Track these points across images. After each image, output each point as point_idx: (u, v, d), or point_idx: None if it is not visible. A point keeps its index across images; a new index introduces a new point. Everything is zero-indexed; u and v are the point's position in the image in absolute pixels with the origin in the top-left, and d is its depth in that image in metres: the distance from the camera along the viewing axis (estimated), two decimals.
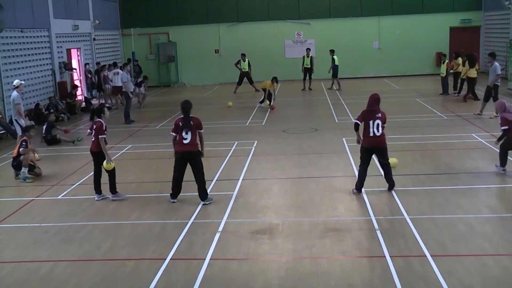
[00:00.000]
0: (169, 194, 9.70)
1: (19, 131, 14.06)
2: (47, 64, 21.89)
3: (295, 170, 11.66)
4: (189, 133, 9.30)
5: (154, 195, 10.26)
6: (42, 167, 12.34)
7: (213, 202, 9.55)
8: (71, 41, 24.48)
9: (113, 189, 9.98)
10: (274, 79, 20.71)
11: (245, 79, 26.13)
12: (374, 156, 9.96)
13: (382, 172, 9.95)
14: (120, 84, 20.00)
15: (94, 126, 9.87)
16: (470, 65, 20.02)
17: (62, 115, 20.14)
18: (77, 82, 24.28)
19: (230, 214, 8.99)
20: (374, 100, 9.61)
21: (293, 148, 13.75)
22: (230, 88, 27.00)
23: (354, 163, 11.56)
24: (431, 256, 7.02)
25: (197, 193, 9.55)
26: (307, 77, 26.24)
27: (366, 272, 6.74)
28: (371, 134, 9.50)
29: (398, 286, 6.31)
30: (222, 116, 19.40)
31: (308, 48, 27.21)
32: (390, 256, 7.08)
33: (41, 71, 21.38)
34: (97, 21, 26.75)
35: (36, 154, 12.95)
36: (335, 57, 25.77)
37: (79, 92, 23.88)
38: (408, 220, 8.34)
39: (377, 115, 9.48)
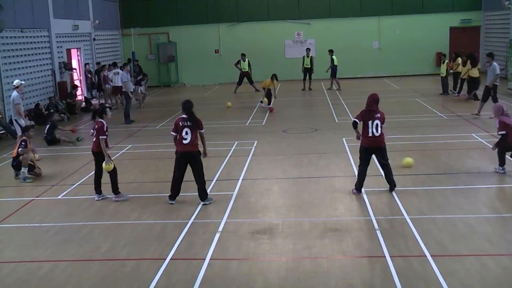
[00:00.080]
0: (167, 196, 9.69)
1: (19, 131, 14.06)
2: (47, 64, 21.89)
3: (295, 170, 11.66)
4: (189, 133, 9.29)
5: (154, 195, 10.26)
6: (42, 167, 12.34)
7: (213, 202, 9.55)
8: (71, 41, 24.49)
9: (115, 190, 9.97)
10: (274, 76, 20.59)
11: (245, 79, 26.13)
12: (374, 156, 9.96)
13: (382, 173, 9.94)
14: (120, 84, 19.99)
15: (96, 126, 9.87)
16: (472, 64, 20.02)
17: (62, 115, 20.12)
18: (77, 82, 24.28)
19: (230, 214, 8.99)
20: (373, 100, 9.60)
21: (293, 148, 13.75)
22: (230, 88, 27.00)
23: (354, 163, 11.56)
24: (431, 256, 7.02)
25: (197, 193, 9.55)
26: (307, 77, 26.24)
27: (366, 272, 6.74)
28: (370, 134, 9.49)
29: (398, 286, 6.31)
30: (222, 116, 19.40)
31: (308, 48, 27.23)
32: (390, 256, 7.07)
33: (41, 71, 21.38)
34: (97, 21, 26.75)
35: (36, 154, 12.95)
36: (334, 57, 25.78)
37: (79, 92, 23.89)
38: (408, 220, 8.34)
39: (376, 115, 9.48)
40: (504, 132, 10.47)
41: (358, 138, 9.79)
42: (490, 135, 13.72)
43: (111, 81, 22.28)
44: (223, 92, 26.85)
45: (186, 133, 9.30)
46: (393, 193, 9.62)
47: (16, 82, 14.73)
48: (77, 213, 9.48)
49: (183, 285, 6.60)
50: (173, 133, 9.46)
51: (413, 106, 19.85)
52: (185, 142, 9.31)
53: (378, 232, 7.92)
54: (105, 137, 9.75)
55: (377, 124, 9.45)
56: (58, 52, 22.75)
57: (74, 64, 24.93)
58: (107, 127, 9.88)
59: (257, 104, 21.30)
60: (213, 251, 7.52)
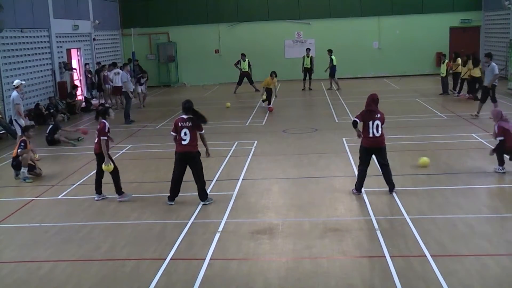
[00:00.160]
0: (167, 197, 9.68)
1: (19, 131, 14.06)
2: (47, 64, 21.89)
3: (295, 170, 11.66)
4: (188, 134, 9.28)
5: (154, 195, 10.26)
6: (42, 167, 12.34)
7: (213, 202, 9.54)
8: (71, 41, 24.48)
9: (119, 190, 9.96)
10: (273, 73, 20.50)
11: (245, 79, 26.13)
12: (374, 157, 9.95)
13: (382, 174, 9.89)
14: (120, 84, 19.98)
15: (98, 127, 9.87)
16: (474, 64, 20.01)
17: (62, 115, 20.11)
18: (77, 82, 24.27)
19: (230, 214, 8.99)
20: (372, 100, 9.59)
21: (293, 148, 13.75)
22: (230, 88, 27.00)
23: (354, 163, 11.56)
24: (431, 256, 7.02)
25: (197, 194, 9.54)
26: (307, 77, 26.25)
27: (366, 272, 6.74)
28: (371, 135, 9.49)
29: (398, 286, 6.31)
30: (222, 116, 19.39)
31: (308, 48, 27.24)
32: (390, 256, 7.07)
33: (41, 71, 21.38)
34: (97, 21, 26.75)
35: (36, 155, 12.95)
36: (333, 57, 25.80)
37: (79, 92, 23.89)
38: (408, 220, 8.34)
39: (376, 116, 9.48)
40: (502, 137, 10.51)
41: (359, 136, 9.76)
42: (490, 135, 13.70)
43: (111, 81, 22.28)
44: (223, 92, 26.85)
45: (185, 134, 9.29)
46: (393, 193, 9.62)
47: (16, 82, 14.73)
48: (77, 213, 9.48)
49: (183, 285, 6.60)
50: (173, 133, 9.46)
51: (413, 106, 19.85)
52: (184, 142, 9.30)
53: (378, 232, 7.92)
54: (105, 138, 9.73)
55: (377, 125, 9.45)
56: (58, 52, 22.74)
57: (74, 64, 24.92)
58: (109, 128, 9.85)
59: (257, 104, 21.29)
60: (213, 251, 7.52)
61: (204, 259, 7.25)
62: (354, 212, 8.98)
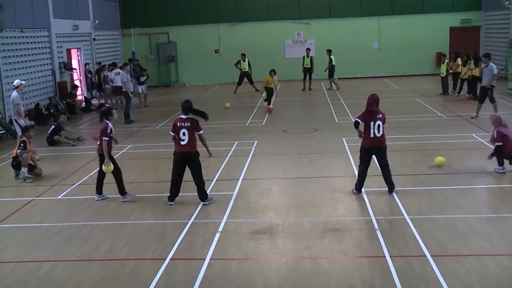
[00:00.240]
0: (167, 197, 9.68)
1: (19, 131, 14.06)
2: (47, 64, 21.89)
3: (295, 170, 11.66)
4: (187, 134, 9.27)
5: (154, 195, 10.26)
6: (42, 167, 12.33)
7: (213, 202, 9.55)
8: (71, 41, 24.49)
9: (122, 191, 9.95)
10: (272, 71, 20.21)
11: (245, 79, 26.12)
12: (374, 157, 9.95)
13: (381, 174, 9.88)
14: (120, 84, 19.97)
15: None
16: (476, 64, 20.00)
17: (63, 115, 20.12)
18: (77, 82, 24.28)
19: (230, 214, 8.99)
20: (373, 101, 9.59)
21: (293, 148, 13.75)
22: (230, 88, 27.00)
23: (354, 163, 11.56)
24: (431, 256, 7.02)
25: (197, 194, 9.55)
26: (307, 77, 26.25)
27: (366, 272, 6.74)
28: (372, 135, 9.49)
29: (398, 286, 6.31)
30: (222, 116, 19.39)
31: (308, 48, 27.24)
32: (390, 256, 7.08)
33: (41, 71, 21.38)
34: (97, 21, 26.75)
35: (36, 155, 12.94)
36: (332, 57, 25.80)
37: (79, 92, 23.88)
38: (408, 220, 8.34)
39: (377, 116, 9.48)
40: (501, 143, 10.53)
41: (360, 136, 9.75)
42: (490, 135, 13.70)
43: (111, 81, 22.26)
44: (223, 92, 26.86)
45: (184, 134, 9.28)
46: (393, 193, 9.61)
47: (16, 82, 14.72)
48: (77, 213, 9.48)
49: (183, 285, 6.61)
50: (172, 133, 9.46)
51: (413, 106, 19.85)
52: (182, 143, 9.30)
53: (378, 232, 7.92)
54: (107, 138, 9.72)
55: (378, 125, 9.45)
56: (58, 52, 22.75)
57: (74, 64, 24.93)
58: (111, 129, 9.84)
59: (257, 104, 21.28)
60: (213, 251, 7.52)
61: (204, 259, 7.25)
62: (354, 212, 8.98)
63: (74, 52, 24.99)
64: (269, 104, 20.00)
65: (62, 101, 21.90)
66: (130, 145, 14.88)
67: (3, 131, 17.01)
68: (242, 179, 11.04)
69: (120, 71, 20.74)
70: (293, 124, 17.18)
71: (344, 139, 14.12)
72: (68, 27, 23.87)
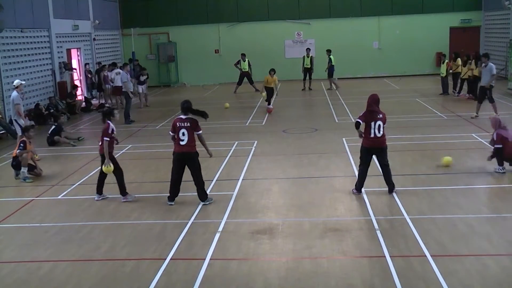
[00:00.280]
0: (167, 197, 9.68)
1: (19, 131, 14.05)
2: (47, 64, 21.89)
3: (295, 170, 11.66)
4: (186, 134, 9.26)
5: (154, 195, 10.26)
6: (43, 167, 12.33)
7: (213, 202, 9.54)
8: (71, 41, 24.49)
9: (122, 191, 9.96)
10: (272, 71, 20.17)
11: (245, 79, 26.12)
12: (374, 157, 9.95)
13: (382, 174, 9.88)
14: (120, 84, 19.96)
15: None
16: (477, 64, 19.98)
17: (63, 114, 20.12)
18: (77, 82, 24.28)
19: (230, 214, 8.99)
20: (373, 101, 9.59)
21: (293, 148, 13.75)
22: (230, 88, 27.00)
23: (354, 163, 11.56)
24: (431, 256, 7.02)
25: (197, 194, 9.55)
26: (307, 77, 26.25)
27: (366, 272, 6.74)
28: (372, 135, 9.48)
29: (398, 286, 6.31)
30: (222, 116, 19.39)
31: (308, 48, 27.24)
32: (390, 256, 7.08)
33: (41, 71, 21.38)
34: (97, 21, 26.75)
35: (36, 155, 12.94)
36: (331, 56, 25.80)
37: (79, 92, 23.88)
38: (408, 220, 8.34)
39: (378, 116, 9.48)
40: (500, 145, 10.54)
41: (360, 137, 9.76)
42: (490, 135, 13.70)
43: (112, 81, 22.25)
44: (223, 92, 26.85)
45: (183, 134, 9.27)
46: (393, 193, 9.62)
47: (16, 82, 14.71)
48: (77, 213, 9.48)
49: (183, 285, 6.60)
50: (171, 133, 9.46)
51: (413, 106, 19.85)
52: (182, 143, 9.30)
53: (378, 232, 7.92)
54: (108, 139, 9.71)
55: (379, 125, 9.45)
56: (58, 52, 22.75)
57: (74, 64, 24.93)
58: (113, 129, 9.83)
59: (257, 104, 21.26)
60: (213, 251, 7.52)
61: (204, 259, 7.25)
62: (354, 212, 8.98)
63: (74, 52, 24.99)
64: (269, 104, 19.97)
65: (62, 101, 21.89)
66: (130, 145, 14.88)
67: (3, 131, 17.01)
68: (242, 179, 11.04)
69: (121, 71, 20.73)
70: (293, 124, 17.18)
71: (344, 139, 14.12)
72: (68, 27, 23.87)
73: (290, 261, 7.15)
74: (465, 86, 21.65)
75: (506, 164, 10.70)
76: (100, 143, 9.85)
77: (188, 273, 6.88)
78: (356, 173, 10.30)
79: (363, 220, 8.53)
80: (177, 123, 9.35)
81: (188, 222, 8.66)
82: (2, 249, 8.00)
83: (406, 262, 6.90)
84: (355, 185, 9.81)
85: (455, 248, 7.29)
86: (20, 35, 19.78)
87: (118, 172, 9.87)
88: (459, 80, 21.84)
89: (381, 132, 9.49)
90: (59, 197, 10.50)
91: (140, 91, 22.60)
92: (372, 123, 9.44)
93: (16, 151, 11.85)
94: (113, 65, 22.77)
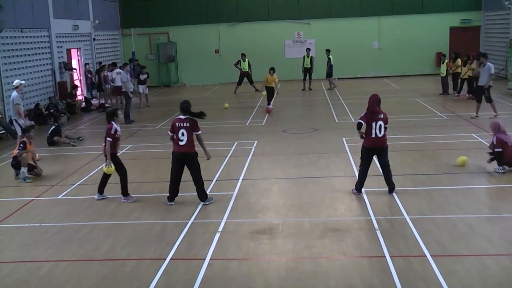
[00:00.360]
0: (166, 197, 9.68)
1: (19, 131, 14.05)
2: (47, 64, 21.89)
3: (295, 170, 11.66)
4: (185, 134, 9.26)
5: (154, 195, 10.26)
6: (42, 167, 12.32)
7: (213, 202, 9.54)
8: (71, 41, 24.49)
9: (125, 192, 9.96)
10: (271, 70, 20.12)
11: (245, 79, 26.12)
12: (374, 157, 9.95)
13: (382, 174, 9.88)
14: (120, 84, 19.96)
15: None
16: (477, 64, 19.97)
17: (63, 115, 20.11)
18: (77, 82, 24.28)
19: (230, 214, 8.99)
20: (374, 101, 9.59)
21: (293, 148, 13.75)
22: (230, 88, 27.01)
23: (354, 163, 11.56)
24: (431, 256, 7.03)
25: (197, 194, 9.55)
26: (307, 77, 26.25)
27: (366, 272, 6.74)
28: (373, 135, 9.48)
29: (398, 286, 6.31)
30: (222, 116, 19.39)
31: (308, 48, 27.24)
32: (390, 256, 7.08)
33: (41, 71, 21.38)
34: (97, 21, 26.75)
35: (36, 155, 12.93)
36: (331, 56, 25.81)
37: (79, 92, 23.89)
38: (408, 220, 8.34)
39: (379, 116, 9.48)
40: (500, 149, 10.56)
41: (361, 137, 9.76)
42: (490, 135, 13.70)
43: (112, 81, 22.25)
44: (223, 92, 26.85)
45: (182, 134, 9.26)
46: (393, 193, 9.62)
47: (16, 82, 14.71)
48: (77, 213, 9.48)
49: (183, 285, 6.61)
50: (170, 133, 9.46)
51: (413, 106, 19.85)
52: (181, 143, 9.29)
53: (378, 232, 7.92)
54: (110, 139, 9.70)
55: (380, 125, 9.45)
56: (58, 52, 22.75)
57: (74, 64, 24.93)
58: (116, 129, 9.80)
59: (257, 104, 21.26)
60: (213, 251, 7.52)
61: (204, 259, 7.25)
62: (354, 212, 8.98)
63: (74, 52, 25.00)
64: (269, 104, 19.91)
65: (62, 101, 21.89)
66: (130, 145, 14.88)
67: (3, 131, 17.01)
68: (242, 179, 11.04)
69: (121, 71, 20.73)
70: (293, 124, 17.17)
71: (344, 139, 14.12)
72: (68, 27, 23.87)
73: (290, 261, 7.15)
74: (465, 86, 21.64)
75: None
76: (104, 144, 9.85)
77: (188, 273, 6.88)
78: (356, 173, 10.30)
79: (363, 220, 8.53)
80: (176, 123, 9.34)
81: (188, 222, 8.66)
82: (2, 249, 7.99)
83: (406, 262, 6.90)
84: (355, 185, 9.81)
85: (455, 248, 7.29)
86: (20, 35, 19.78)
87: (122, 172, 9.87)
88: (459, 80, 21.84)
89: (382, 132, 9.49)
90: (59, 197, 10.50)
91: (141, 91, 22.59)
92: (373, 124, 9.44)
93: (16, 151, 11.84)
94: (113, 65, 22.78)
